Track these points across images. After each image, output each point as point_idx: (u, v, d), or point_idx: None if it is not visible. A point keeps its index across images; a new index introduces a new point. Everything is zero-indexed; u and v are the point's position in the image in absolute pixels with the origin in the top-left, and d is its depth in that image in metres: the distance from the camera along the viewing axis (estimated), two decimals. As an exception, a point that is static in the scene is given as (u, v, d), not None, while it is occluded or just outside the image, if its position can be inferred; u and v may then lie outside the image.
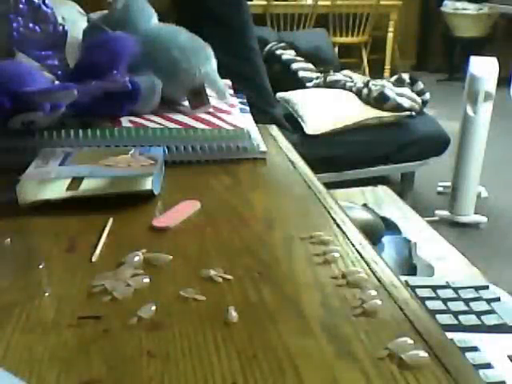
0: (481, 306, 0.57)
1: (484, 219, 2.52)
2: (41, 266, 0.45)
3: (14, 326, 0.40)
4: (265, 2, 4.51)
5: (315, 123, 2.48)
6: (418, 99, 2.69)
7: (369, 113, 2.57)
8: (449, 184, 2.56)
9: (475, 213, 2.51)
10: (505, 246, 2.40)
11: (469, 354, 0.51)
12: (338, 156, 2.48)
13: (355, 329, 0.39)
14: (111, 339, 0.38)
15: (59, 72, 0.76)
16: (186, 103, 0.82)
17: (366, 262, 0.49)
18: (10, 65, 0.69)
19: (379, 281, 0.45)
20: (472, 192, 2.48)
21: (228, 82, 0.94)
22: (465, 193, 2.47)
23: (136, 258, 0.48)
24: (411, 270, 0.78)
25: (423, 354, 0.37)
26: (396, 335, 0.38)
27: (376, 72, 4.86)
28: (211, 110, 0.82)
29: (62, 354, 0.37)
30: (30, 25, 0.74)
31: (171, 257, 0.48)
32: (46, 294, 0.43)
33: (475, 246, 2.35)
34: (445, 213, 2.53)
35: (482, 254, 2.26)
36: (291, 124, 2.44)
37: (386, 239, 0.99)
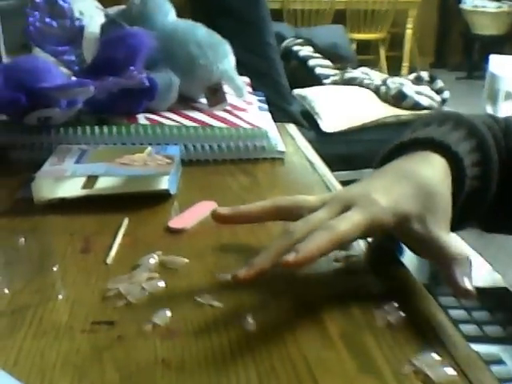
0: (505, 315, 0.55)
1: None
2: (55, 269, 0.44)
3: (27, 330, 0.39)
4: (282, -2, 4.48)
5: (331, 121, 2.46)
6: (437, 97, 2.65)
7: (387, 111, 2.53)
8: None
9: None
10: (510, 242, 2.35)
11: (494, 368, 0.49)
12: (354, 154, 2.45)
13: (378, 342, 0.38)
14: (125, 346, 0.37)
15: (76, 67, 0.75)
16: (204, 100, 0.81)
17: (388, 269, 0.47)
18: (27, 60, 0.68)
19: (404, 291, 0.44)
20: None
21: (246, 79, 0.92)
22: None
23: (151, 261, 0.46)
24: (432, 275, 0.76)
25: (450, 370, 0.35)
26: (421, 349, 0.37)
27: (394, 69, 4.82)
28: (229, 107, 0.80)
29: (75, 360, 0.36)
30: (47, 19, 0.73)
31: (187, 260, 0.47)
32: (60, 297, 0.42)
33: (493, 248, 2.31)
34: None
35: (499, 256, 2.23)
36: (307, 121, 2.42)
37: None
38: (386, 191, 0.44)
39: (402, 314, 0.40)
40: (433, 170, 0.47)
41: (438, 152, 0.48)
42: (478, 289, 0.60)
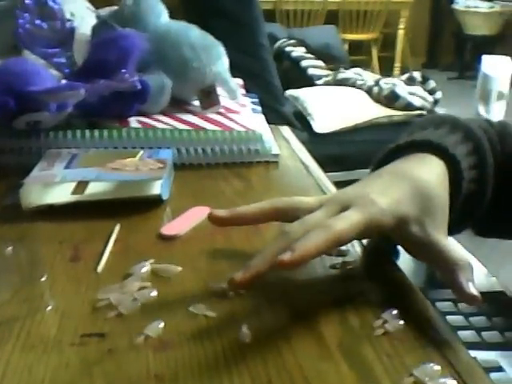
0: (503, 320, 0.55)
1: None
2: (43, 278, 0.43)
3: (14, 343, 0.37)
4: (274, -2, 4.47)
5: (324, 121, 2.45)
6: (430, 98, 2.65)
7: (379, 111, 2.53)
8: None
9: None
10: (504, 242, 2.35)
11: (493, 375, 0.49)
12: (347, 155, 2.44)
13: (377, 352, 0.37)
14: (116, 360, 0.36)
15: (66, 70, 0.74)
16: (197, 103, 0.80)
17: (386, 275, 0.46)
18: (16, 63, 0.67)
19: (402, 298, 0.43)
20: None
21: (240, 81, 0.91)
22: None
23: (143, 269, 0.45)
24: (429, 279, 0.75)
25: (451, 381, 0.34)
26: (421, 359, 0.36)
27: (386, 69, 4.82)
28: (222, 110, 0.79)
29: (64, 375, 0.35)
30: (37, 21, 0.71)
31: (180, 268, 0.46)
32: (49, 308, 0.41)
33: (486, 248, 2.31)
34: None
35: (492, 256, 2.22)
36: (300, 122, 2.41)
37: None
38: (385, 192, 0.43)
39: (401, 321, 0.39)
40: (430, 172, 0.46)
41: (436, 154, 0.48)
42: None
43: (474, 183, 0.51)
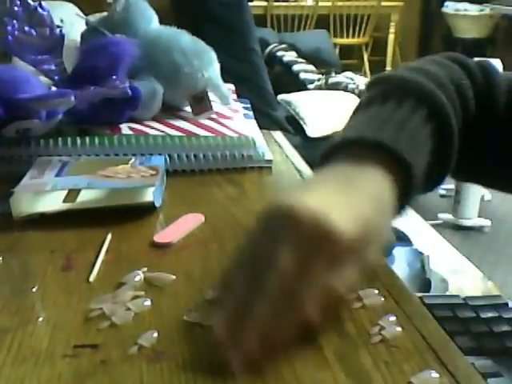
0: (502, 326, 0.54)
1: (488, 222, 2.49)
2: (34, 289, 0.42)
3: (5, 355, 0.37)
4: (265, 3, 4.48)
5: (317, 126, 2.45)
6: (421, 101, 2.66)
7: (371, 115, 2.53)
8: (452, 187, 2.53)
9: (479, 216, 2.49)
10: (509, 249, 2.37)
11: (491, 380, 0.48)
12: (340, 159, 2.44)
13: (374, 360, 0.36)
14: (109, 371, 0.35)
15: (56, 77, 0.73)
16: (188, 109, 0.79)
17: (382, 282, 0.46)
18: (4, 70, 0.66)
19: (398, 304, 0.42)
20: (475, 195, 2.45)
21: (231, 86, 0.91)
22: (468, 196, 2.44)
23: (136, 278, 0.45)
24: (424, 284, 0.75)
25: (450, 388, 0.34)
26: (419, 367, 0.35)
27: (377, 73, 4.83)
28: (214, 116, 0.79)
29: (56, 388, 0.34)
30: (26, 28, 0.71)
31: (174, 276, 0.45)
32: (40, 319, 0.40)
33: (479, 249, 2.32)
34: (448, 216, 2.49)
35: (486, 257, 2.23)
36: (293, 126, 2.41)
37: (397, 251, 0.94)
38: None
39: (398, 328, 0.39)
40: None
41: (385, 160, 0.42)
42: (472, 299, 0.58)
43: (438, 149, 0.47)
